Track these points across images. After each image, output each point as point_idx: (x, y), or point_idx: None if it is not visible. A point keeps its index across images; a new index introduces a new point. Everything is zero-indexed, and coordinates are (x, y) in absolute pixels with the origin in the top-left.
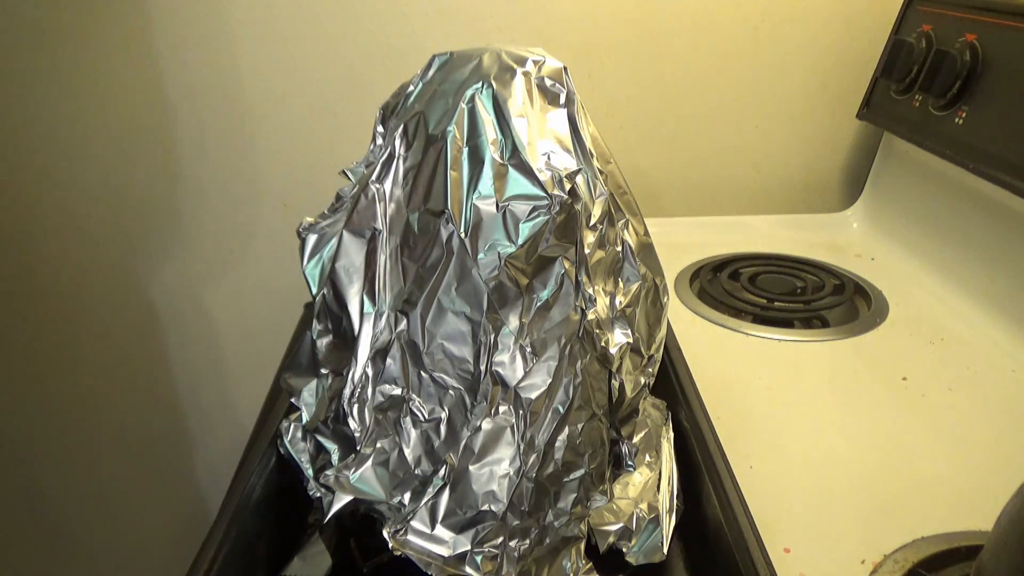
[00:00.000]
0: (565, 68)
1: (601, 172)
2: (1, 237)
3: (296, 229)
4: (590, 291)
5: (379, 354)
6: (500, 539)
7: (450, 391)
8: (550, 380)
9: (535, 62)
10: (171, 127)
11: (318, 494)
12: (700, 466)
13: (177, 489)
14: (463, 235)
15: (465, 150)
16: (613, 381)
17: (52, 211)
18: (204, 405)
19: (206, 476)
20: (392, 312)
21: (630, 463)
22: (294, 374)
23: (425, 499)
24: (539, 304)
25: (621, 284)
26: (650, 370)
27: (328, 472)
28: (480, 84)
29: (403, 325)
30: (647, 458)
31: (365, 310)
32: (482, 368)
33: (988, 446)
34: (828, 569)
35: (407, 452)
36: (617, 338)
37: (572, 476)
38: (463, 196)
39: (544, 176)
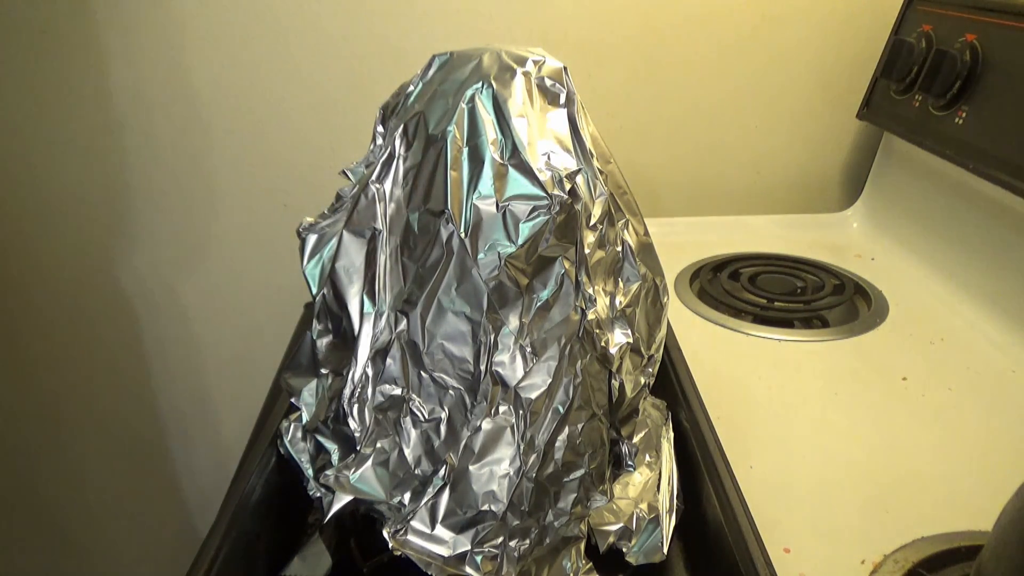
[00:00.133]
0: (565, 68)
1: (601, 172)
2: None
3: (296, 229)
4: (590, 291)
5: (379, 354)
6: (500, 539)
7: (450, 391)
8: (550, 380)
9: (535, 62)
10: (171, 127)
11: (318, 494)
12: (700, 466)
13: (177, 489)
14: (463, 235)
15: (465, 150)
16: (613, 381)
17: (52, 211)
18: (204, 405)
19: (206, 476)
20: (392, 312)
21: (630, 463)
22: (294, 374)
23: (425, 499)
24: (539, 304)
25: (621, 284)
26: (650, 370)
27: (328, 472)
28: (480, 84)
29: (403, 325)
30: (647, 458)
31: (365, 310)
32: (482, 368)
33: (988, 446)
34: (828, 569)
35: (407, 452)
36: (617, 338)
37: (572, 476)
38: (463, 196)
39: (544, 176)
